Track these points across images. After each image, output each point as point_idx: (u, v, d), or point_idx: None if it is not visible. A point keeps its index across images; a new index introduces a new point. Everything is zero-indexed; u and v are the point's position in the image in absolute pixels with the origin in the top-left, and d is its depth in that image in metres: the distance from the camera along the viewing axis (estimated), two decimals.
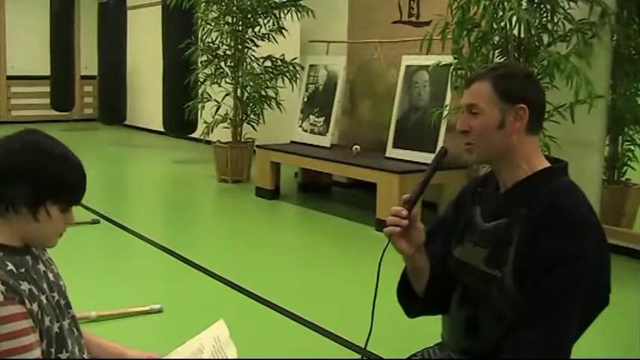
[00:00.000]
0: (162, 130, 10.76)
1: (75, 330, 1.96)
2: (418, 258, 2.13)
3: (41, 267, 1.91)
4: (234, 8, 8.24)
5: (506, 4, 4.95)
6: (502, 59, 5.29)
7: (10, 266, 1.80)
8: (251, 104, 8.39)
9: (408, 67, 6.76)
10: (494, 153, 2.02)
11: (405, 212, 2.05)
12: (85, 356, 1.98)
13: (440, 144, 6.17)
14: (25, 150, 1.85)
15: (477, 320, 2.04)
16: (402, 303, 2.29)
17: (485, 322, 2.01)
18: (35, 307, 1.79)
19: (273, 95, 8.29)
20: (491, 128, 2.00)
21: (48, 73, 13.29)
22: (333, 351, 3.69)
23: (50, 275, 1.93)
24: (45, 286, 1.87)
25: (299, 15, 8.22)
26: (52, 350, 1.83)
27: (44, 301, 1.84)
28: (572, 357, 1.94)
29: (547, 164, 2.03)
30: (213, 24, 8.30)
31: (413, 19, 7.13)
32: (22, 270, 1.82)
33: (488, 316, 2.00)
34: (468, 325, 2.07)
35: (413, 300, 2.24)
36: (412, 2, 7.13)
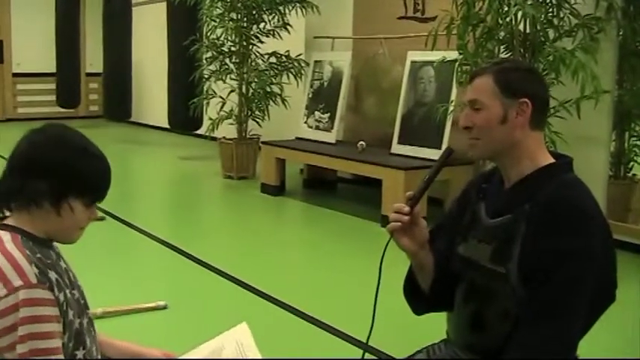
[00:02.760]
0: (167, 126, 10.78)
1: (92, 330, 1.95)
2: (422, 255, 2.13)
3: (63, 264, 1.91)
4: (239, 5, 8.23)
5: None
6: (508, 55, 5.27)
7: (40, 255, 1.80)
8: (256, 100, 8.38)
9: (413, 62, 6.74)
10: (497, 148, 2.01)
11: (407, 209, 2.05)
12: (99, 357, 1.97)
13: (445, 140, 6.16)
14: (49, 144, 1.84)
15: (481, 316, 2.04)
16: (409, 300, 2.28)
17: (490, 318, 2.01)
18: (62, 297, 1.79)
19: (278, 91, 8.28)
20: (494, 123, 1.99)
21: (54, 71, 13.29)
22: (337, 347, 3.68)
23: (70, 274, 1.93)
24: (67, 282, 1.87)
25: (304, 11, 8.21)
26: (71, 345, 1.82)
27: (68, 294, 1.83)
28: (578, 353, 1.93)
29: (552, 160, 2.02)
30: (217, 20, 8.29)
31: (418, 14, 7.11)
32: (49, 261, 1.82)
33: (493, 312, 2.00)
34: (473, 321, 2.07)
35: (419, 297, 2.23)
36: None
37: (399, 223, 2.06)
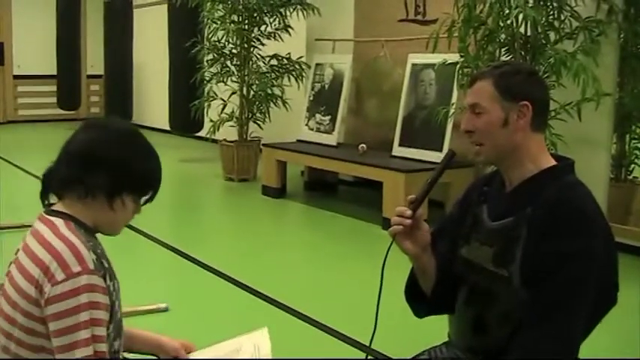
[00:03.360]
0: (168, 128, 10.77)
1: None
2: (424, 258, 2.13)
3: (106, 255, 1.94)
4: (240, 7, 8.24)
5: (512, 1, 4.95)
6: (509, 57, 5.27)
7: (92, 243, 1.83)
8: (257, 103, 8.39)
9: (414, 65, 6.74)
10: (500, 152, 2.01)
11: (409, 212, 2.05)
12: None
13: (447, 142, 6.16)
14: (112, 139, 1.88)
15: (484, 319, 2.04)
16: (411, 303, 2.28)
17: (493, 320, 2.01)
18: (112, 286, 1.82)
19: (280, 94, 8.29)
20: (495, 127, 1.99)
21: (54, 72, 13.31)
22: (339, 350, 3.68)
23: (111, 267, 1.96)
24: (113, 272, 1.90)
25: (305, 13, 8.21)
26: (112, 335, 1.84)
27: (116, 284, 1.87)
28: (579, 356, 1.93)
29: (553, 162, 2.02)
30: (219, 23, 8.30)
31: (419, 17, 7.11)
32: (99, 250, 1.85)
33: (495, 314, 2.00)
34: (475, 323, 2.07)
35: (421, 300, 2.23)
36: (418, 0, 7.11)
37: (401, 227, 2.06)
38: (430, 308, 2.26)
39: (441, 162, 2.16)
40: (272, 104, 8.34)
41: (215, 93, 8.55)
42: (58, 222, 1.81)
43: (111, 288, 1.81)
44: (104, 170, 1.82)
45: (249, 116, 8.48)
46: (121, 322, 1.90)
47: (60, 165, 1.86)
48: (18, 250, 1.86)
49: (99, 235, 1.93)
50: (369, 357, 3.27)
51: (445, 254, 2.16)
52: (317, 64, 7.98)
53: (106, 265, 1.83)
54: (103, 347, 1.75)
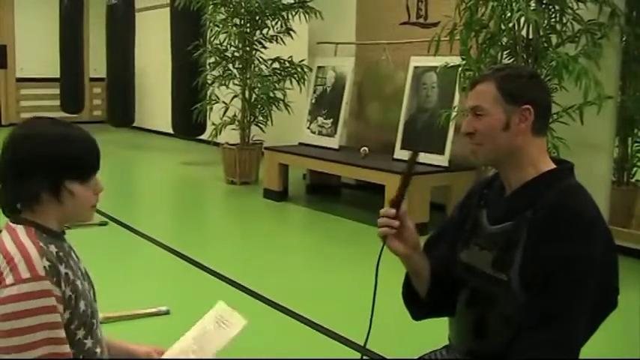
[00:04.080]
0: (170, 132, 10.78)
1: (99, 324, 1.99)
2: (416, 258, 2.13)
3: (74, 256, 1.97)
4: (242, 10, 8.24)
5: (514, 4, 4.94)
6: (510, 60, 5.27)
7: (52, 248, 1.84)
8: (259, 106, 8.39)
9: (416, 68, 6.74)
10: (499, 155, 2.01)
11: (392, 211, 2.05)
12: (105, 346, 2.01)
13: (448, 145, 6.16)
14: (23, 142, 1.88)
15: (484, 323, 2.03)
16: (408, 307, 2.28)
17: (492, 324, 2.00)
18: (69, 291, 1.82)
19: (281, 97, 8.29)
20: (496, 129, 1.98)
21: (57, 76, 13.33)
22: (341, 353, 3.67)
23: (81, 266, 1.99)
24: (79, 273, 1.92)
25: (307, 17, 8.22)
26: (80, 333, 1.86)
27: (79, 286, 1.87)
28: (581, 358, 1.92)
29: (553, 166, 2.02)
30: (221, 26, 8.30)
31: (421, 20, 7.11)
32: (61, 254, 1.86)
33: (495, 318, 1.99)
34: (475, 327, 2.06)
35: (417, 303, 2.23)
36: (420, 3, 7.12)
37: (390, 229, 2.05)
38: (427, 311, 2.25)
39: (408, 162, 2.15)
40: (274, 107, 8.35)
41: (217, 96, 8.56)
42: (19, 229, 1.85)
43: (68, 293, 1.81)
44: (32, 173, 1.84)
45: (251, 119, 8.48)
46: (91, 321, 1.91)
47: (3, 187, 1.89)
48: None
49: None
50: (364, 358, 3.27)
51: (443, 258, 2.16)
52: (319, 67, 7.98)
53: (64, 270, 1.82)
54: (66, 349, 1.77)
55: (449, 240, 2.19)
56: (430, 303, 2.20)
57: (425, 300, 2.20)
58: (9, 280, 1.74)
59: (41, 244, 1.81)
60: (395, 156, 6.65)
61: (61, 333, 1.77)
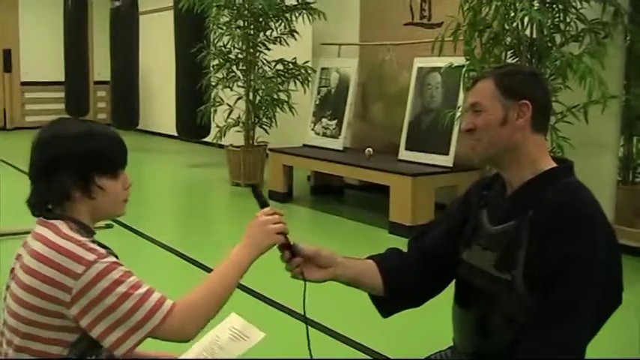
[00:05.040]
0: (174, 134, 10.80)
1: None
2: (342, 272, 2.20)
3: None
4: (246, 12, 8.24)
5: (517, 4, 4.93)
6: (514, 60, 5.26)
7: (92, 242, 1.88)
8: (263, 108, 8.39)
9: (420, 68, 6.74)
10: (498, 150, 2.01)
11: (287, 254, 2.21)
12: None
13: (453, 145, 6.14)
14: (50, 141, 1.91)
15: (487, 323, 2.03)
16: (375, 306, 2.33)
17: (496, 324, 2.00)
18: None
19: (286, 98, 8.29)
20: (494, 124, 1.99)
21: (62, 79, 13.36)
22: (344, 354, 3.68)
23: None
24: None
25: (310, 18, 8.22)
26: None
27: None
28: (585, 357, 1.92)
29: (553, 164, 2.02)
30: (224, 28, 8.30)
31: (424, 20, 7.11)
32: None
33: (498, 318, 1.99)
34: (479, 327, 2.06)
35: (380, 300, 2.28)
36: (424, 4, 7.11)
37: (300, 267, 2.22)
38: (392, 306, 2.28)
39: (256, 197, 2.21)
40: (278, 109, 8.34)
41: (221, 98, 8.56)
42: (59, 223, 1.87)
43: None
44: (61, 172, 1.87)
45: (256, 121, 8.48)
46: None
47: (32, 190, 1.93)
48: (19, 255, 1.91)
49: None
50: None
51: (430, 246, 2.20)
52: (323, 69, 7.98)
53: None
54: (159, 293, 1.87)
55: (441, 231, 2.22)
56: (393, 298, 2.23)
57: (386, 296, 2.23)
58: (79, 269, 1.77)
59: (84, 237, 1.85)
60: (399, 157, 6.65)
61: (147, 285, 1.86)
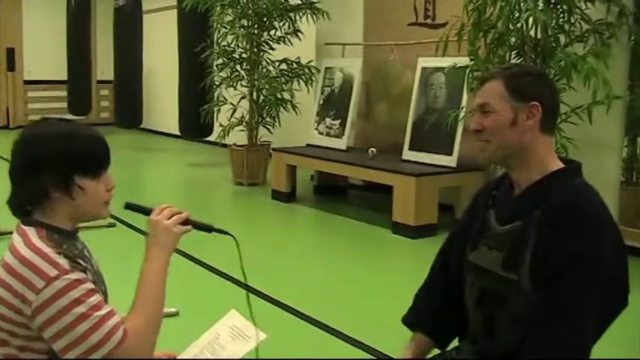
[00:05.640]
0: (178, 133, 10.80)
1: None
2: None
3: (87, 254, 1.98)
4: (250, 11, 8.25)
5: (522, 4, 4.93)
6: (519, 60, 5.26)
7: (66, 246, 1.86)
8: (267, 107, 8.39)
9: (424, 69, 6.73)
10: (508, 151, 2.01)
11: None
12: None
13: (457, 146, 6.14)
14: (31, 142, 1.90)
15: (493, 323, 2.03)
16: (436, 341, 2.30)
17: (502, 324, 2.00)
18: (91, 280, 1.85)
19: (289, 98, 8.29)
20: (504, 126, 1.99)
21: (65, 78, 13.36)
22: (347, 353, 3.67)
23: (94, 263, 2.01)
24: (93, 272, 1.93)
25: (314, 18, 8.22)
26: None
27: (95, 283, 1.90)
28: (590, 358, 1.92)
29: (561, 165, 2.02)
30: (228, 27, 8.31)
31: (429, 20, 7.11)
32: (76, 252, 1.88)
33: (504, 318, 1.99)
34: (485, 328, 2.06)
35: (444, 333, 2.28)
36: (428, 4, 7.11)
37: None
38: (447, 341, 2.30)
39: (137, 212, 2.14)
40: (282, 108, 8.35)
41: (225, 97, 8.57)
42: (31, 232, 1.85)
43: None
44: (40, 171, 1.85)
45: (259, 121, 8.49)
46: None
47: (12, 191, 1.91)
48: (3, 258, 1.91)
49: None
50: None
51: (456, 266, 2.18)
52: (326, 68, 7.98)
53: (84, 264, 1.86)
54: (118, 318, 1.82)
55: (459, 245, 2.20)
56: (443, 341, 2.26)
57: (438, 344, 2.26)
58: (39, 284, 1.75)
59: (54, 244, 1.82)
60: (403, 157, 6.65)
61: (108, 308, 1.81)
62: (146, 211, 2.09)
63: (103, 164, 1.94)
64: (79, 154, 1.88)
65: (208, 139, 10.02)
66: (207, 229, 2.18)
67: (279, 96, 8.26)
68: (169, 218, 2.06)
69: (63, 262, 1.79)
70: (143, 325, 1.88)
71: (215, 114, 8.74)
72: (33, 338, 1.80)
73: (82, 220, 1.96)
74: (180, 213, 2.08)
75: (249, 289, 4.55)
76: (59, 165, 1.85)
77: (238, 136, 8.54)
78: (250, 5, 8.21)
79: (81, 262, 1.85)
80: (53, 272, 1.76)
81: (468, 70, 5.44)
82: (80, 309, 1.75)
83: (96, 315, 1.77)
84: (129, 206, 2.11)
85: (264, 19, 8.29)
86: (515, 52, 5.32)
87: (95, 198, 1.92)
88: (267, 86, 8.25)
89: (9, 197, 1.92)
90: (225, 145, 8.71)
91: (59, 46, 13.30)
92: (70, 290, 1.76)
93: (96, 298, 1.80)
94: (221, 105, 8.61)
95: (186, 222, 2.09)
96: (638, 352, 3.75)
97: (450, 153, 6.18)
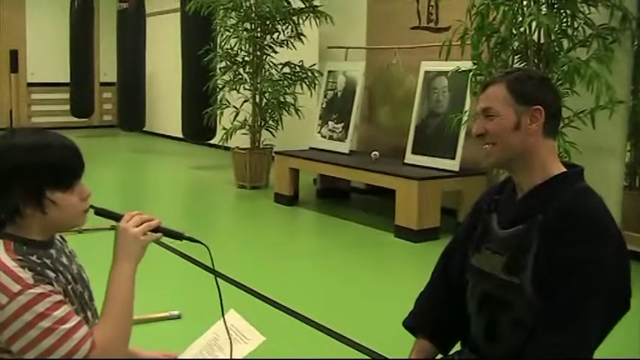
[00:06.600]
0: (181, 136, 10.80)
1: (96, 322, 1.97)
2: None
3: (64, 260, 1.93)
4: (253, 15, 8.25)
5: (525, 9, 4.94)
6: (522, 65, 5.26)
7: (34, 258, 1.81)
8: (270, 110, 8.40)
9: (427, 72, 6.74)
10: (511, 155, 2.01)
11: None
12: None
13: (459, 150, 6.14)
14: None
15: (496, 327, 2.03)
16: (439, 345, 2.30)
17: (504, 328, 2.00)
18: (61, 291, 1.81)
19: (292, 101, 8.29)
20: (508, 130, 1.99)
21: (68, 80, 13.37)
22: (349, 356, 3.67)
23: (74, 267, 1.96)
24: (69, 277, 1.89)
25: (317, 21, 8.22)
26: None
27: (70, 291, 1.86)
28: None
29: (563, 169, 2.03)
30: (231, 30, 8.31)
31: (432, 24, 7.11)
32: (48, 261, 1.84)
33: (507, 322, 1.99)
34: (488, 331, 2.06)
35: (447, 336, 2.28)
36: (431, 8, 7.11)
37: None
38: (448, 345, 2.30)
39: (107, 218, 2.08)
40: (284, 112, 8.35)
41: (228, 101, 8.56)
42: None
43: (62, 294, 1.81)
44: (10, 187, 1.80)
45: (262, 124, 8.49)
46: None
47: None
48: None
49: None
50: None
51: (457, 271, 2.18)
52: (329, 72, 7.98)
53: (52, 275, 1.82)
54: (86, 329, 1.79)
55: (461, 249, 2.20)
56: (445, 346, 2.27)
57: (440, 349, 2.26)
58: (3, 300, 1.72)
59: (19, 256, 1.78)
60: (406, 160, 6.65)
61: (77, 319, 1.78)
62: (116, 217, 2.02)
63: (75, 175, 1.87)
64: (49, 167, 1.82)
65: (211, 142, 10.03)
66: (178, 236, 2.11)
67: (282, 99, 8.27)
68: (139, 225, 1.99)
69: (27, 276, 1.74)
70: (112, 335, 1.85)
71: (218, 117, 8.75)
72: (2, 351, 1.78)
73: (58, 231, 1.93)
74: (150, 220, 2.02)
75: (251, 292, 4.57)
76: (29, 180, 1.80)
77: (241, 139, 8.54)
78: (253, 8, 8.22)
79: (49, 272, 1.81)
80: (16, 288, 1.72)
81: (470, 74, 5.45)
82: (45, 323, 1.73)
83: (62, 328, 1.74)
84: (97, 212, 2.02)
85: (267, 23, 8.29)
86: (518, 56, 5.32)
87: (69, 210, 1.86)
88: (270, 89, 8.25)
89: None
90: (227, 148, 8.72)
91: (62, 49, 13.31)
92: (34, 305, 1.73)
93: (63, 311, 1.76)
94: (224, 108, 8.60)
95: (156, 229, 2.04)
96: (638, 354, 3.74)
97: (452, 157, 6.18)
